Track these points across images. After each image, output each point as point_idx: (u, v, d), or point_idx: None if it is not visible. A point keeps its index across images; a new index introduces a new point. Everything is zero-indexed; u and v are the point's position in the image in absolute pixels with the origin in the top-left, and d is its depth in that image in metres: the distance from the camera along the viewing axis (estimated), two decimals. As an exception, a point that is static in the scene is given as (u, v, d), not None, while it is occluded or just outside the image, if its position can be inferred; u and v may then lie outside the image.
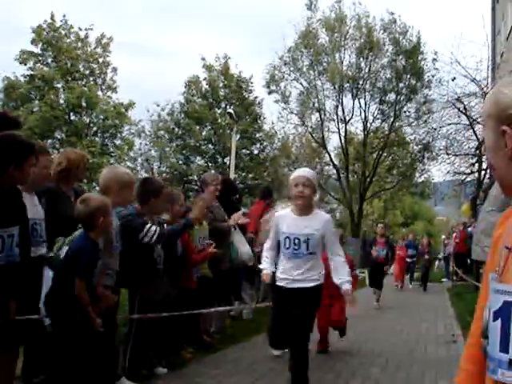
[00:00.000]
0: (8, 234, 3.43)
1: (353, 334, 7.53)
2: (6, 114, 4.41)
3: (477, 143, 17.26)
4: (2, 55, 48.65)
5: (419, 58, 30.89)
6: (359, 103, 31.68)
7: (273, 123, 33.01)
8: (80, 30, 28.31)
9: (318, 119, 32.07)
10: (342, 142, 31.89)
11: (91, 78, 28.98)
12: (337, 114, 31.82)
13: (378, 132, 32.36)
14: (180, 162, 31.83)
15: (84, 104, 28.07)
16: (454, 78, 18.93)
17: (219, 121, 31.37)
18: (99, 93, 29.02)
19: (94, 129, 29.33)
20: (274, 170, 33.12)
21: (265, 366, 5.82)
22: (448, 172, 19.45)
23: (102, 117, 28.73)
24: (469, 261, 15.84)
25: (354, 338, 7.61)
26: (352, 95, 31.41)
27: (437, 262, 29.10)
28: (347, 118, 31.71)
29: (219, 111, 31.74)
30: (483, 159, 16.61)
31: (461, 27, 60.12)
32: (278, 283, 4.53)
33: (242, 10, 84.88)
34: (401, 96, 31.29)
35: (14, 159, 3.41)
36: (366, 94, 31.51)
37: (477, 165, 17.27)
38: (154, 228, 4.76)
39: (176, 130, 31.77)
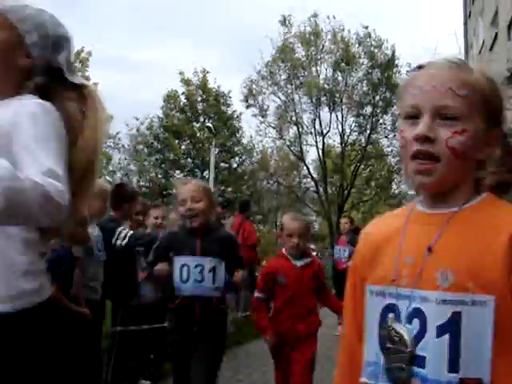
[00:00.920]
0: None
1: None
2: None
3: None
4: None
5: (394, 71, 31.34)
6: (336, 116, 32.01)
7: (251, 137, 33.20)
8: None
9: (296, 132, 32.32)
10: (320, 154, 32.18)
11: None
12: (314, 127, 32.09)
13: (356, 144, 32.69)
14: (159, 176, 31.81)
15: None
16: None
17: (198, 135, 31.43)
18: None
19: (72, 143, 29.21)
20: (253, 183, 33.24)
21: (247, 380, 5.89)
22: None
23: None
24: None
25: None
26: (329, 108, 31.71)
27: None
28: (324, 131, 32.00)
29: (198, 125, 31.79)
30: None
31: (434, 41, 60.91)
32: None
33: (218, 24, 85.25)
34: (377, 109, 31.66)
35: None
36: (343, 107, 31.84)
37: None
38: (125, 231, 4.73)
39: (155, 143, 31.75)
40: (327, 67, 31.95)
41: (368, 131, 31.82)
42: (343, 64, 31.35)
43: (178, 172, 32.17)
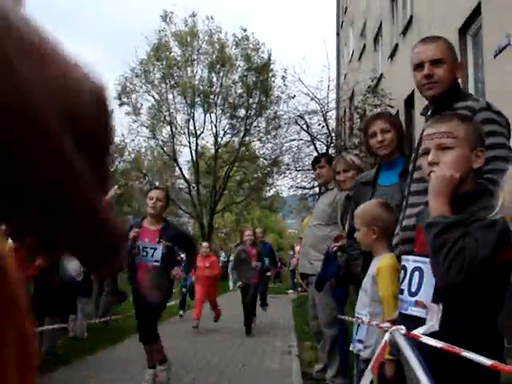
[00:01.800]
0: None
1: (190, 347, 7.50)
2: None
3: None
4: None
5: (269, 75, 31.83)
6: (210, 117, 32.09)
7: (123, 135, 32.42)
8: None
9: (170, 132, 32.03)
10: (193, 155, 32.08)
11: None
12: (188, 128, 31.98)
13: (229, 146, 32.89)
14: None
15: None
16: (294, 96, 19.77)
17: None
18: None
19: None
20: (125, 183, 32.45)
21: None
22: (291, 186, 20.17)
23: None
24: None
25: (190, 350, 7.61)
26: (203, 109, 31.69)
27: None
28: (198, 132, 31.99)
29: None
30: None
31: (306, 48, 62.91)
32: None
33: (92, 18, 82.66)
34: (251, 111, 32.03)
35: None
36: (218, 108, 31.93)
37: (317, 180, 18.02)
38: None
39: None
40: (203, 68, 31.98)
41: (242, 133, 32.13)
42: (219, 65, 31.44)
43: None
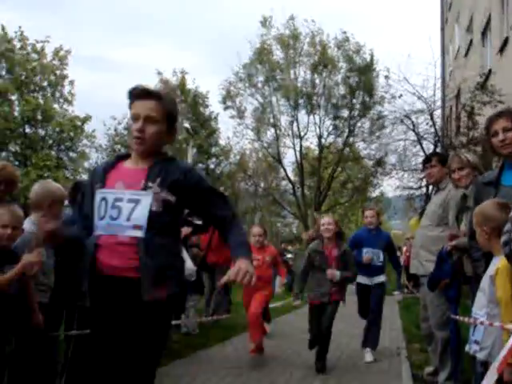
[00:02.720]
0: None
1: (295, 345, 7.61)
2: None
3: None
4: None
5: (373, 75, 31.45)
6: (314, 119, 32.09)
7: (228, 138, 33.15)
8: (37, 42, 27.85)
9: (274, 135, 32.39)
10: (297, 157, 32.25)
11: (47, 91, 28.51)
12: (292, 130, 32.18)
13: (333, 147, 32.78)
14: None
15: (39, 117, 27.59)
16: (401, 95, 19.34)
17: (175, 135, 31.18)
18: (55, 105, 28.55)
19: (50, 142, 28.82)
20: (231, 184, 33.19)
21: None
22: (398, 187, 19.82)
23: (57, 130, 28.25)
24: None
25: (294, 347, 7.71)
26: (306, 111, 31.77)
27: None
28: (302, 134, 32.11)
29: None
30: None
31: (410, 46, 61.50)
32: None
33: (197, 24, 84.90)
34: (354, 112, 31.78)
35: None
36: (321, 109, 31.90)
37: (424, 180, 17.67)
38: None
39: (132, 144, 31.43)
40: (305, 70, 32.07)
41: (345, 134, 31.95)
42: (321, 67, 31.41)
43: (155, 172, 31.95)
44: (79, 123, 28.16)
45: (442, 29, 26.37)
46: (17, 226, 3.86)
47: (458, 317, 4.61)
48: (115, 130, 31.76)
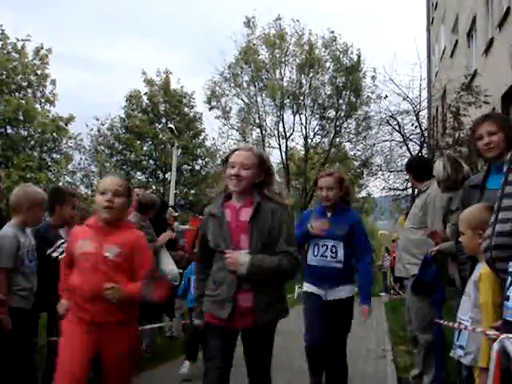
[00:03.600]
0: None
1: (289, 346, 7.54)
2: None
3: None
4: None
5: (360, 76, 31.49)
6: (300, 119, 32.08)
7: (214, 139, 33.03)
8: (17, 40, 27.47)
9: (259, 135, 32.34)
10: (283, 157, 32.20)
11: (29, 91, 28.16)
12: (278, 130, 32.17)
13: (319, 148, 32.78)
14: (120, 178, 31.27)
15: (21, 117, 27.25)
16: (386, 96, 19.41)
17: (160, 136, 31.06)
18: (37, 106, 28.21)
19: (32, 143, 28.49)
20: (217, 185, 33.01)
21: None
22: (384, 188, 19.87)
23: (39, 130, 27.92)
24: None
25: (280, 352, 7.65)
26: (292, 111, 31.76)
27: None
28: (288, 134, 32.09)
29: (160, 126, 31.43)
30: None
31: (395, 47, 61.72)
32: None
33: (182, 24, 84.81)
34: (341, 112, 31.81)
35: None
36: (307, 110, 31.91)
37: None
38: (64, 246, 4.50)
39: (116, 144, 31.24)
40: (291, 70, 32.05)
41: (332, 134, 31.96)
42: (307, 67, 31.40)
43: (139, 173, 31.81)
44: (62, 124, 27.85)
45: (428, 29, 26.47)
46: None
47: (442, 321, 4.59)
48: (98, 131, 31.47)
